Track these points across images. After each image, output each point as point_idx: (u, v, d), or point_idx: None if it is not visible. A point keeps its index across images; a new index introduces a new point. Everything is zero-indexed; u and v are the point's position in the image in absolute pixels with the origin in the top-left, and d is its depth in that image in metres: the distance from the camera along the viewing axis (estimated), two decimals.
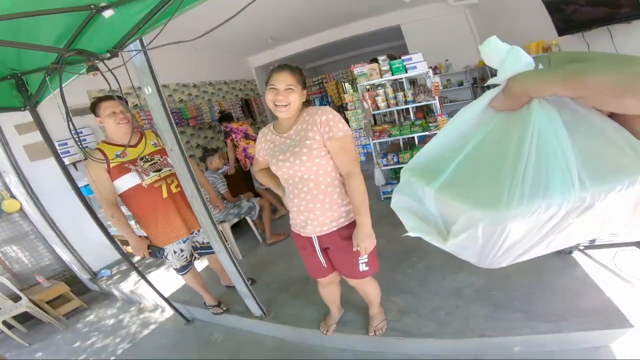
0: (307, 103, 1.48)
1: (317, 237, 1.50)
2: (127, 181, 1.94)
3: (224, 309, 2.48)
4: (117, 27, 1.38)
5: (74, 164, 3.70)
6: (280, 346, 2.20)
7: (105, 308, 3.45)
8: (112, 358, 2.55)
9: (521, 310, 1.79)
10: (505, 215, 0.24)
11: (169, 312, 2.90)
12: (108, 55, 1.46)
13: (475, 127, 0.31)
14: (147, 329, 2.82)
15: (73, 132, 1.54)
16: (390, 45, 8.23)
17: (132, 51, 1.50)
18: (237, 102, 6.96)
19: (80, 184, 3.54)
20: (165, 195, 2.04)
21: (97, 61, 1.42)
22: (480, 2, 5.38)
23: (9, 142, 3.32)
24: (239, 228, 3.82)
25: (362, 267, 1.56)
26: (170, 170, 2.04)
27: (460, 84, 6.52)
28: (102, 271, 3.94)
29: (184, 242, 2.20)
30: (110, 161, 1.87)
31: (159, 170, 2.02)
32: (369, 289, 1.77)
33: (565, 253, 2.16)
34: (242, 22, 1.47)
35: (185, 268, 2.28)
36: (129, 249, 4.03)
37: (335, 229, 1.46)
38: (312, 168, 1.35)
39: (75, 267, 3.84)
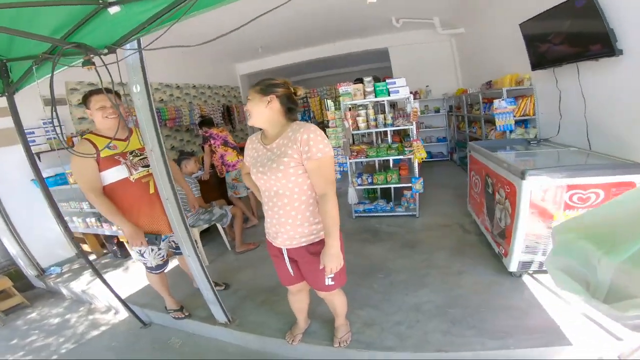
0: (292, 114, 1.50)
1: (287, 249, 1.59)
2: (114, 174, 1.98)
3: (186, 314, 2.51)
4: (119, 24, 1.46)
5: (38, 154, 3.62)
6: (243, 354, 2.24)
7: (51, 307, 3.35)
8: (54, 357, 2.49)
9: (474, 327, 1.98)
10: None
11: (124, 314, 2.87)
12: (106, 51, 1.53)
13: None
14: (97, 330, 2.77)
15: (57, 124, 1.62)
16: (376, 66, 8.64)
17: (129, 49, 1.58)
18: (218, 107, 7.05)
19: (44, 176, 3.51)
20: (152, 190, 2.09)
21: (94, 56, 1.49)
22: (466, 32, 5.78)
23: None
24: (208, 234, 3.86)
25: (328, 282, 1.64)
26: None
27: (437, 110, 6.90)
28: (52, 268, 3.85)
29: (163, 241, 2.25)
30: (101, 151, 1.91)
31: (147, 166, 2.06)
32: (336, 300, 1.88)
33: (517, 276, 2.40)
34: (233, 26, 1.58)
35: (160, 267, 2.31)
36: (85, 247, 3.96)
37: (304, 244, 1.54)
38: (287, 185, 1.42)
39: (22, 262, 3.74)
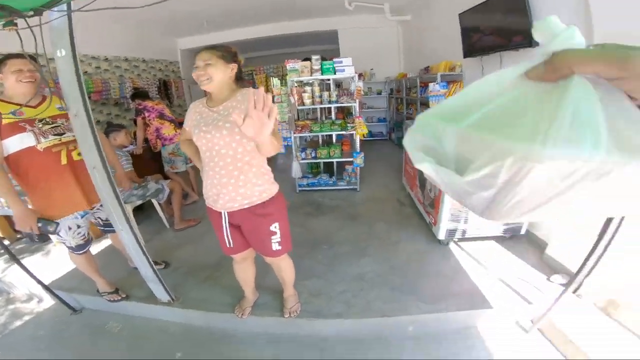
0: (241, 82, 1.56)
1: (228, 213, 1.57)
2: (19, 142, 1.76)
3: (123, 295, 2.36)
4: None
5: None
6: (190, 332, 2.19)
7: None
8: None
9: (411, 292, 2.17)
10: (538, 152, 0.26)
11: (49, 302, 2.63)
12: (31, 13, 1.37)
13: (506, 87, 0.32)
14: (20, 320, 2.50)
15: None
16: (324, 47, 8.63)
17: (57, 12, 1.43)
18: (154, 82, 6.65)
19: None
20: (64, 161, 1.90)
21: (17, 18, 1.33)
22: (412, 19, 6.06)
23: None
24: (143, 211, 3.64)
25: (275, 246, 1.67)
26: (74, 135, 1.89)
27: (379, 93, 7.24)
28: None
29: (82, 217, 2.06)
30: (3, 116, 1.71)
31: (60, 135, 1.89)
32: (284, 268, 1.92)
33: (444, 244, 2.66)
34: (180, 1, 1.45)
35: (82, 247, 2.12)
36: None
37: (246, 206, 1.54)
38: (231, 144, 1.43)
39: None
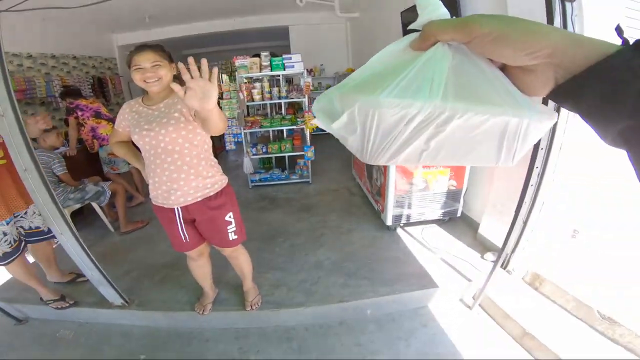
0: (177, 78, 1.54)
1: (182, 207, 1.57)
2: None
3: (70, 302, 2.25)
4: None
5: None
6: (152, 334, 2.14)
7: None
8: None
9: (366, 277, 2.30)
10: (374, 100, 0.30)
11: None
12: None
13: (391, 58, 0.37)
14: None
15: None
16: (275, 44, 8.56)
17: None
18: (86, 79, 6.21)
19: None
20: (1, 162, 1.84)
21: None
22: (360, 16, 6.21)
23: None
24: (82, 217, 3.40)
25: (232, 236, 1.71)
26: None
27: (328, 87, 7.38)
28: None
29: (7, 224, 1.94)
30: None
31: None
32: (242, 258, 1.95)
33: (392, 229, 2.83)
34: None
35: (10, 255, 1.98)
36: None
37: (199, 199, 1.56)
38: (177, 140, 1.44)
39: None
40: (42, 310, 2.30)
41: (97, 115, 3.51)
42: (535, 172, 1.80)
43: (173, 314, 2.16)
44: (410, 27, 0.37)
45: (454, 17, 0.33)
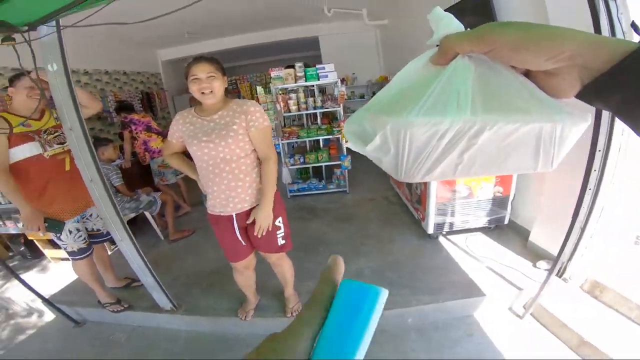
0: (228, 92, 1.65)
1: (237, 214, 1.67)
2: (26, 150, 1.93)
3: (125, 306, 2.42)
4: (37, 1, 1.36)
5: None
6: (196, 338, 2.25)
7: None
8: None
9: (408, 286, 2.28)
10: (404, 121, 0.31)
11: (50, 316, 2.66)
12: (26, 28, 1.44)
13: (414, 75, 0.38)
14: (24, 335, 2.53)
15: None
16: (306, 54, 8.81)
17: (50, 26, 1.50)
18: (136, 94, 6.63)
19: None
20: (67, 168, 2.09)
21: (15, 34, 1.41)
22: (389, 23, 6.23)
23: None
24: (135, 225, 3.65)
25: (280, 241, 1.79)
26: None
27: (362, 96, 7.40)
28: None
29: (78, 222, 2.17)
30: (14, 128, 1.89)
31: (63, 143, 2.08)
32: (286, 265, 2.01)
33: (434, 238, 2.79)
34: (159, 12, 1.52)
35: (83, 252, 2.20)
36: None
37: (256, 204, 1.66)
38: (235, 150, 1.54)
39: None
40: (98, 314, 2.48)
41: (148, 129, 3.77)
42: (593, 175, 1.71)
43: (217, 319, 2.26)
44: (428, 42, 0.38)
45: (469, 29, 0.33)
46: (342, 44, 7.11)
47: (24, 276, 3.09)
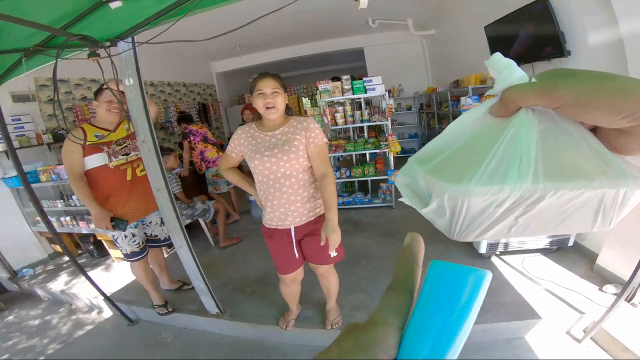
0: (288, 109, 1.73)
1: (296, 228, 1.71)
2: (95, 160, 2.12)
3: (170, 309, 2.56)
4: (120, 18, 1.54)
5: (6, 152, 3.51)
6: (237, 344, 2.31)
7: (28, 309, 3.28)
8: (42, 358, 2.47)
9: None
10: (463, 190, 0.30)
11: (108, 313, 2.88)
12: (108, 43, 1.60)
13: (472, 128, 0.36)
14: (82, 330, 2.76)
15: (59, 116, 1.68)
16: (351, 65, 8.90)
17: (128, 42, 1.67)
18: (194, 105, 7.06)
19: (11, 174, 3.42)
20: (129, 177, 2.25)
21: (99, 49, 1.57)
22: (437, 33, 6.14)
23: None
24: (189, 231, 3.90)
25: (333, 253, 1.75)
26: (137, 154, 2.26)
27: (409, 108, 7.27)
28: (24, 270, 3.75)
29: (136, 227, 2.34)
30: (88, 141, 2.09)
31: (127, 154, 2.25)
32: (333, 278, 2.03)
33: (486, 257, 2.67)
34: (213, 27, 1.64)
35: (136, 255, 2.36)
36: (57, 247, 3.86)
37: (312, 218, 1.71)
38: (295, 166, 1.59)
39: None
40: (151, 314, 2.64)
41: (205, 139, 4.01)
42: None
43: (259, 326, 2.31)
44: (488, 93, 0.37)
45: (533, 79, 0.31)
46: (388, 54, 7.11)
47: (90, 274, 3.46)
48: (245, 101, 8.64)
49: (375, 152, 4.18)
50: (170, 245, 2.53)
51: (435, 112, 5.97)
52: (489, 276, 0.25)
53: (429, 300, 0.25)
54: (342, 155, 4.38)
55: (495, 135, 0.32)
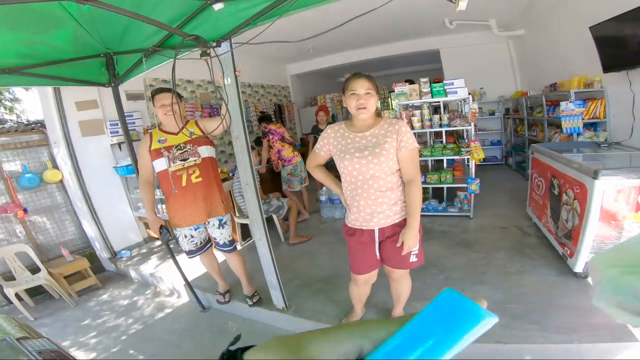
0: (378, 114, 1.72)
1: (380, 229, 1.71)
2: (159, 164, 2.25)
3: (227, 299, 2.73)
4: (222, 19, 1.69)
5: (119, 144, 4.14)
6: None
7: (120, 289, 3.63)
8: (123, 338, 2.70)
9: (536, 322, 2.02)
10: None
11: (185, 297, 3.12)
12: (214, 44, 1.79)
13: None
14: (162, 313, 2.99)
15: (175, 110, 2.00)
16: (426, 68, 8.66)
17: (235, 43, 1.84)
18: (270, 106, 7.48)
19: (122, 164, 4.00)
20: (184, 184, 2.25)
21: (209, 49, 1.74)
22: (526, 34, 5.69)
23: (66, 117, 3.75)
24: None
25: (413, 258, 1.76)
26: (195, 161, 2.26)
27: (492, 113, 6.80)
28: (122, 252, 4.17)
29: (196, 230, 2.42)
30: (152, 143, 2.25)
31: (185, 160, 2.24)
32: (406, 284, 1.99)
33: (582, 277, 2.41)
34: (289, 29, 1.73)
35: (192, 253, 2.49)
36: (150, 232, 4.37)
37: (397, 220, 1.70)
38: (384, 168, 1.60)
39: (98, 245, 4.08)
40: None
41: (282, 139, 4.24)
42: None
43: (320, 325, 2.32)
44: None
45: None
46: (467, 56, 6.74)
47: (177, 259, 3.78)
48: (317, 103, 8.92)
49: (453, 159, 4.02)
50: (227, 252, 2.54)
51: (525, 118, 5.49)
52: (491, 320, 0.25)
53: (426, 318, 0.25)
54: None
55: None
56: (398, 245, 1.65)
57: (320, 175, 1.89)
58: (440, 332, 0.24)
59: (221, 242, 2.47)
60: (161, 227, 2.37)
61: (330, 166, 1.89)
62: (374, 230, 1.72)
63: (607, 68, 3.32)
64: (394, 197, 1.66)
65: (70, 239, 4.10)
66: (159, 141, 2.23)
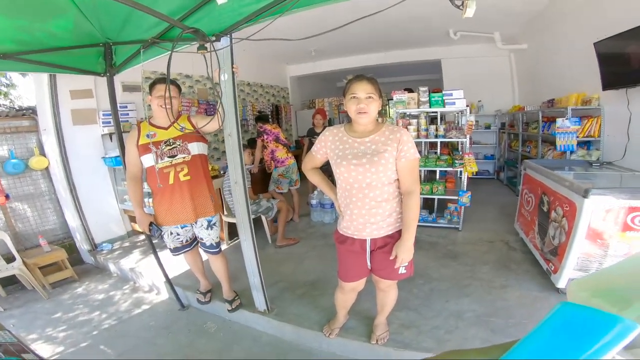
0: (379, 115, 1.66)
1: (372, 239, 1.68)
2: (147, 160, 2.19)
3: (207, 299, 2.70)
4: (223, 14, 1.70)
5: (110, 134, 4.12)
6: (276, 343, 2.35)
7: (97, 282, 3.56)
8: (94, 332, 2.64)
9: (517, 336, 2.04)
10: None
11: (165, 295, 3.07)
12: (214, 38, 1.79)
13: None
14: (139, 309, 2.95)
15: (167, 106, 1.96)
16: (426, 77, 8.73)
17: (235, 38, 1.84)
18: (268, 106, 7.54)
19: (111, 155, 3.98)
20: (171, 181, 2.19)
21: (207, 43, 1.73)
22: (530, 48, 5.77)
23: (59, 104, 3.73)
24: None
25: (402, 270, 1.71)
26: (184, 158, 2.20)
27: (488, 127, 6.88)
28: (104, 244, 4.10)
29: (182, 228, 2.39)
30: (140, 138, 2.18)
31: (173, 157, 2.18)
32: (392, 294, 1.99)
33: (564, 292, 2.45)
34: (293, 31, 1.75)
35: (177, 250, 2.47)
36: (135, 225, 4.33)
37: (390, 232, 1.66)
38: (381, 178, 1.55)
39: (79, 236, 4.00)
40: None
41: (277, 139, 4.26)
42: None
43: (301, 330, 2.32)
44: None
45: None
46: (468, 68, 6.84)
47: (160, 255, 3.58)
48: (315, 106, 9.00)
49: (446, 170, 4.06)
50: (212, 253, 2.50)
51: (520, 133, 5.57)
52: (632, 328, 0.22)
53: (550, 337, 0.22)
54: None
55: None
56: (391, 258, 1.63)
57: (316, 179, 1.86)
58: (577, 352, 0.22)
59: (208, 244, 2.43)
60: (151, 223, 2.32)
61: (325, 169, 1.88)
62: (365, 240, 1.70)
63: (606, 85, 3.36)
64: (389, 209, 1.63)
65: (51, 229, 4.03)
66: (147, 136, 2.14)
